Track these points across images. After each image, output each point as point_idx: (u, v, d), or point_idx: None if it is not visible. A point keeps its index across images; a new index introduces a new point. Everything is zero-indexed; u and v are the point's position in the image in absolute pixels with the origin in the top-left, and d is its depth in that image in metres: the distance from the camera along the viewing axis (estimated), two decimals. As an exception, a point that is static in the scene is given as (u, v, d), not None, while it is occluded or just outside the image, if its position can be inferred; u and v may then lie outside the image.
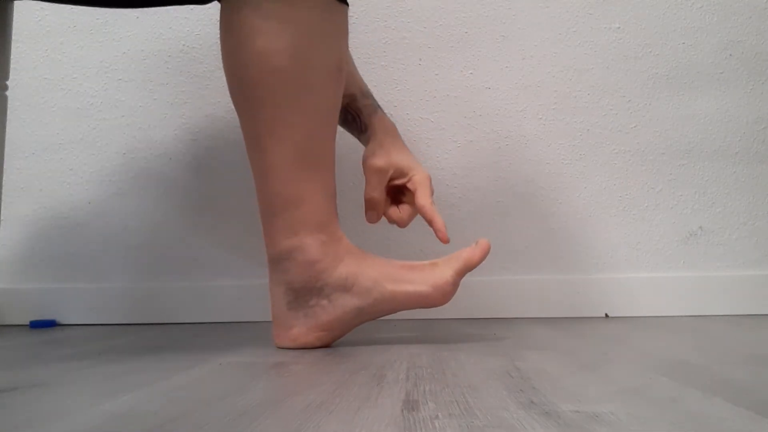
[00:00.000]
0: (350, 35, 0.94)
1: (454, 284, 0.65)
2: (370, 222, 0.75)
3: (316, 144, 0.65)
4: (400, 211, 0.75)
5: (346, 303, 0.64)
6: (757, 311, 0.89)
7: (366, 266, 0.65)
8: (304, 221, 0.64)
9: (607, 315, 0.89)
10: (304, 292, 0.64)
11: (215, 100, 0.97)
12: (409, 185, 0.73)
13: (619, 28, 0.93)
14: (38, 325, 0.94)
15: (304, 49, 0.62)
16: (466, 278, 0.91)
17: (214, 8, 0.94)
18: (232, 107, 0.98)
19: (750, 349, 0.58)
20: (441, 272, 0.65)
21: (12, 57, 0.98)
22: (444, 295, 0.65)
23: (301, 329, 0.65)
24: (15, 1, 0.72)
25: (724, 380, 0.44)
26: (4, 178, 0.76)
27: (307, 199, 0.64)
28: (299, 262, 0.64)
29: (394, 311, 0.66)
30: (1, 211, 0.95)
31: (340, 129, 0.95)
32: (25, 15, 0.99)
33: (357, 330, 0.79)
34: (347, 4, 0.66)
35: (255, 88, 0.63)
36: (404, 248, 0.93)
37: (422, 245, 0.93)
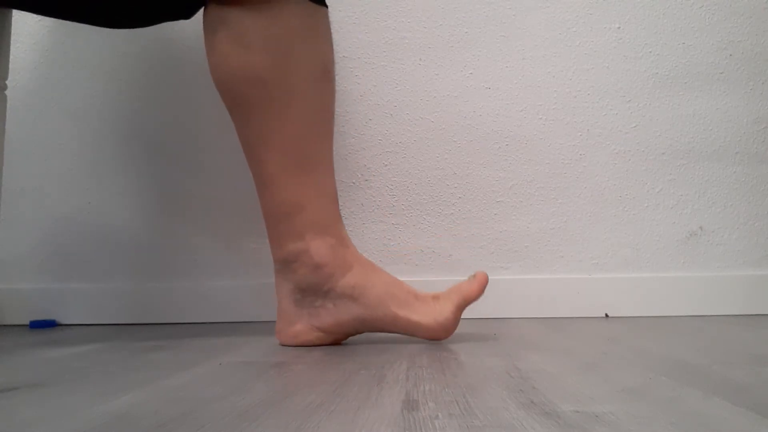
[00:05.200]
0: (350, 35, 0.95)
1: (455, 320, 0.66)
2: None
3: (311, 148, 0.66)
4: None
5: (350, 311, 0.65)
6: (757, 311, 0.89)
7: (375, 281, 0.66)
8: (309, 224, 0.65)
9: (607, 315, 0.89)
10: (311, 292, 0.66)
11: (215, 101, 0.96)
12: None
13: (619, 28, 0.93)
14: (38, 325, 0.93)
15: (287, 60, 0.63)
16: (465, 278, 0.91)
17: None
18: (232, 107, 0.98)
19: (750, 349, 0.58)
20: (442, 307, 0.66)
21: (12, 57, 0.98)
22: (446, 330, 0.66)
23: (303, 327, 0.66)
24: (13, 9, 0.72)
25: (724, 380, 0.44)
26: (4, 178, 0.76)
27: (309, 203, 0.66)
28: (307, 264, 0.65)
29: (392, 332, 0.67)
30: (1, 211, 0.95)
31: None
32: (25, 15, 0.99)
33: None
34: (326, 6, 0.67)
35: (242, 100, 0.64)
36: (404, 248, 0.93)
37: (421, 245, 0.93)
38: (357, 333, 0.68)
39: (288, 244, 0.66)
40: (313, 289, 0.66)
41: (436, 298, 0.67)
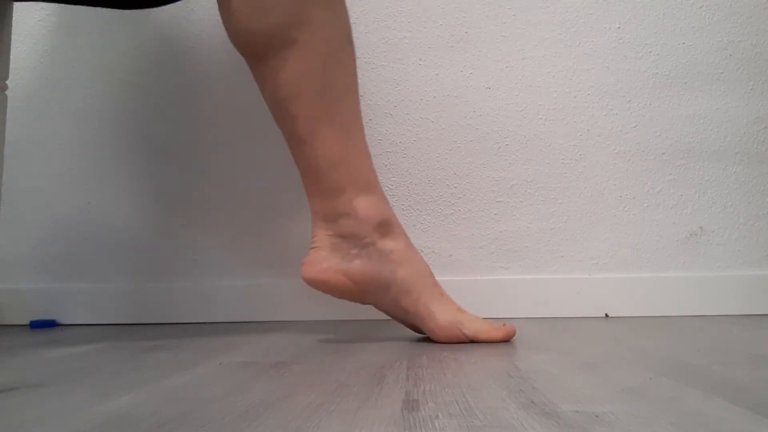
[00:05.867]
0: (350, 35, 0.95)
1: (463, 337, 0.66)
2: None
3: (343, 107, 0.66)
4: None
5: (381, 270, 0.66)
6: (757, 311, 0.89)
7: (413, 258, 0.67)
8: (351, 180, 0.66)
9: (607, 315, 0.89)
10: (351, 241, 0.66)
11: (215, 101, 0.97)
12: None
13: (619, 28, 0.93)
14: (38, 325, 0.93)
15: (309, 18, 0.63)
16: (466, 278, 0.91)
17: (213, 8, 0.94)
18: (232, 108, 0.99)
19: (750, 349, 0.58)
20: (463, 319, 0.66)
21: (12, 57, 0.98)
22: (451, 337, 0.66)
23: (331, 266, 0.66)
24: (15, 2, 0.72)
25: (724, 380, 0.44)
26: (4, 178, 0.76)
27: (348, 158, 0.66)
28: (352, 218, 0.66)
29: (404, 317, 0.67)
30: (1, 211, 0.95)
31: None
32: (25, 15, 0.99)
33: (357, 329, 0.79)
34: None
35: (269, 60, 0.64)
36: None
37: (421, 245, 0.93)
38: (375, 301, 0.67)
39: (331, 199, 0.66)
40: (354, 239, 0.66)
41: (461, 311, 0.67)
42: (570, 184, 0.93)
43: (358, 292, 0.67)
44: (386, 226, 0.67)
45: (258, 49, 0.64)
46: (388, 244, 0.66)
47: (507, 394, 0.41)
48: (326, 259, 0.67)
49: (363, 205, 0.66)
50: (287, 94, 0.65)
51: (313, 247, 0.68)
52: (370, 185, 0.67)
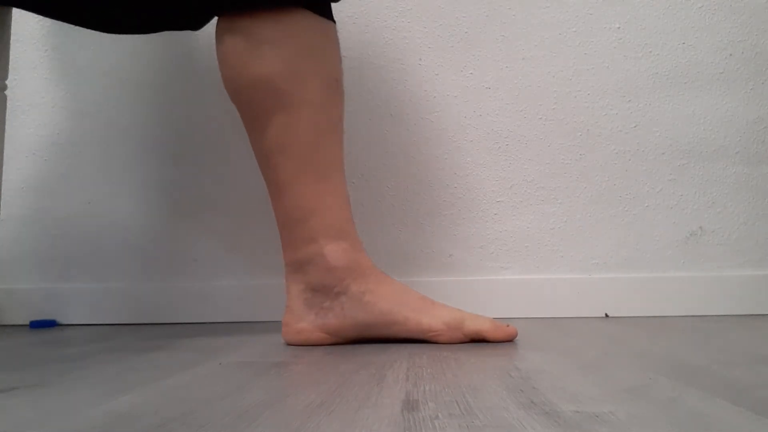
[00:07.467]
0: (350, 35, 0.95)
1: (466, 337, 0.65)
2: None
3: (325, 155, 0.67)
4: None
5: (357, 316, 0.66)
6: (757, 311, 0.89)
7: (387, 288, 0.67)
8: (324, 229, 0.66)
9: (607, 315, 0.89)
10: (321, 293, 0.67)
11: (215, 100, 0.97)
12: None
13: (619, 28, 0.93)
14: (38, 325, 0.93)
15: (299, 69, 0.64)
16: (466, 278, 0.91)
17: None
18: (232, 107, 0.98)
19: (750, 349, 0.58)
20: (462, 320, 0.65)
21: (12, 57, 0.98)
22: (452, 338, 0.65)
23: (308, 326, 0.67)
24: (14, 8, 0.72)
25: (724, 380, 0.44)
26: (3, 178, 0.76)
27: (323, 208, 0.66)
28: (321, 266, 0.66)
29: (399, 336, 0.67)
30: (1, 211, 0.95)
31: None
32: (25, 15, 0.99)
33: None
34: (334, 22, 0.68)
35: (258, 110, 0.65)
36: (404, 248, 0.93)
37: (421, 245, 0.93)
38: (362, 339, 0.68)
39: (302, 248, 0.67)
40: (324, 290, 0.66)
41: (458, 311, 0.67)
42: (570, 184, 0.93)
43: (341, 340, 0.67)
44: (356, 270, 0.66)
45: (252, 97, 0.65)
46: (360, 286, 0.66)
47: (507, 394, 0.41)
48: (301, 318, 0.67)
49: (332, 253, 0.66)
50: (273, 147, 0.66)
51: (288, 306, 0.68)
52: (342, 232, 0.67)
